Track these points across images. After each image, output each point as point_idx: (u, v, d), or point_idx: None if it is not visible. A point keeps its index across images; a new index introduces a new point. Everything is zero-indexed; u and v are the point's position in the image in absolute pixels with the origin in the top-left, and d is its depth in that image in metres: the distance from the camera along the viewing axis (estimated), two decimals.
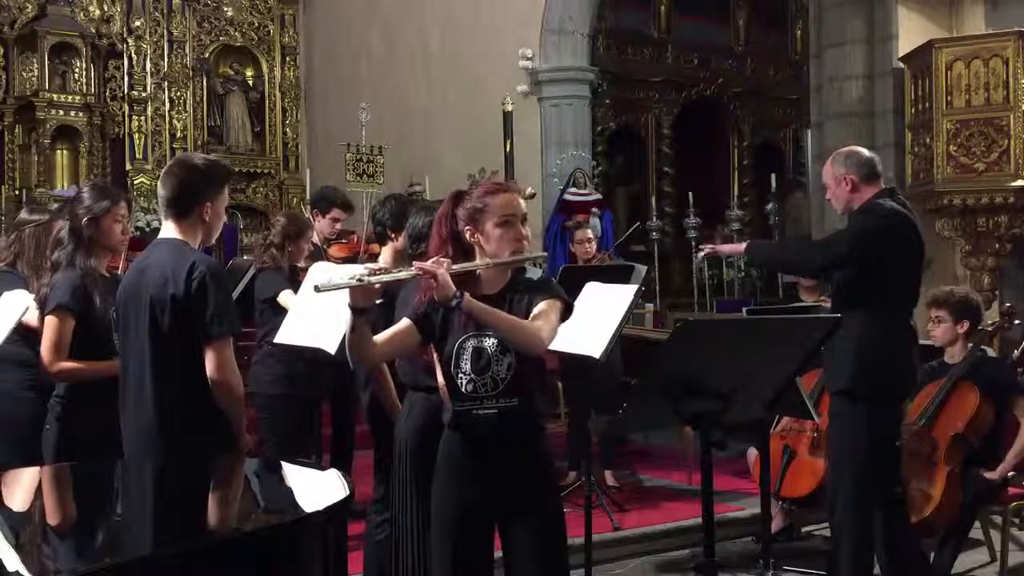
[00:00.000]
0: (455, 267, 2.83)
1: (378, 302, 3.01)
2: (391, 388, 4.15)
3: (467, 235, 2.94)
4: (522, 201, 3.01)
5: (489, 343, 2.88)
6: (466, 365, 2.89)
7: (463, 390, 2.91)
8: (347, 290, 2.77)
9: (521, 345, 2.83)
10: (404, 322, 2.97)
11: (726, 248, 4.65)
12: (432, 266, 2.79)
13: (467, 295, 2.77)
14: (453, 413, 2.96)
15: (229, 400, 3.21)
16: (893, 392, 4.16)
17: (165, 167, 3.53)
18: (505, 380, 2.87)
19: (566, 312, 2.93)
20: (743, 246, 4.44)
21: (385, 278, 2.82)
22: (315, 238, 5.90)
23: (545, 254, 3.18)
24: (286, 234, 5.18)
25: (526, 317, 2.87)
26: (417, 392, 3.73)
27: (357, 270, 2.86)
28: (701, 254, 4.54)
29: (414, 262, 2.89)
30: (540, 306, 2.86)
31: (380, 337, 2.94)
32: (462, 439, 2.96)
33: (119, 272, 4.06)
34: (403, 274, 2.85)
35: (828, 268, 4.21)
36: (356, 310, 2.80)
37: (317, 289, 2.84)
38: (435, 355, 3.06)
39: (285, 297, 4.97)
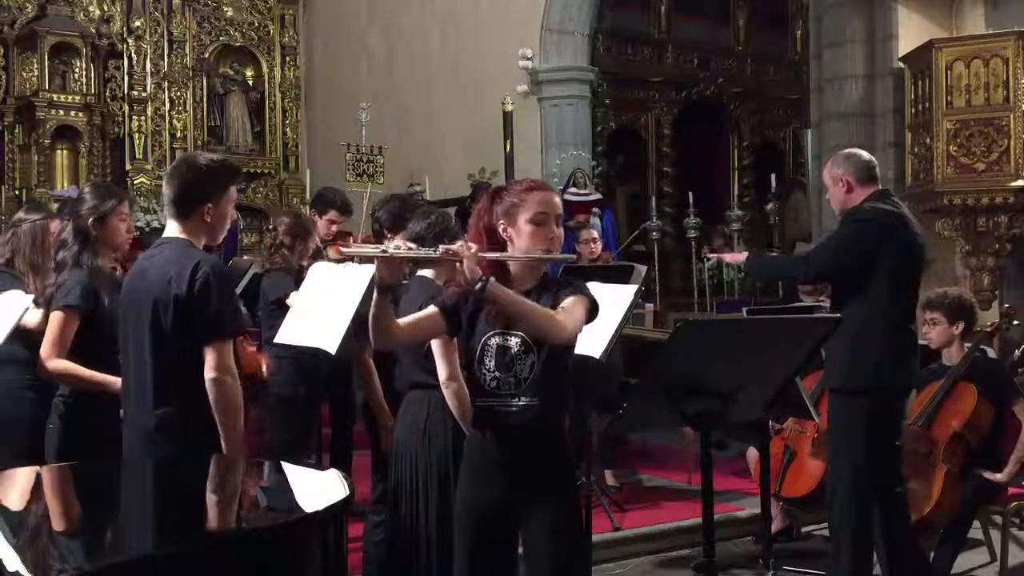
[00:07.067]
0: (483, 254, 2.83)
1: (404, 282, 2.99)
2: (376, 388, 4.18)
3: (501, 230, 2.93)
4: (558, 201, 3.00)
5: (513, 342, 2.87)
6: (490, 362, 2.89)
7: (487, 387, 2.90)
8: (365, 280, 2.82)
9: (543, 333, 2.81)
10: (430, 308, 2.96)
11: (728, 257, 4.83)
12: (460, 248, 2.80)
13: (493, 279, 2.76)
14: (476, 409, 2.96)
15: (223, 401, 3.15)
16: (892, 391, 4.17)
17: (171, 166, 3.52)
18: (528, 379, 2.86)
19: (592, 312, 2.90)
20: (744, 256, 4.58)
21: (411, 254, 2.87)
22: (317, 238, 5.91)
23: (574, 256, 3.16)
24: (295, 233, 5.19)
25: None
26: (416, 390, 3.74)
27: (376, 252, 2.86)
28: (708, 261, 4.73)
29: (441, 244, 2.90)
30: (566, 301, 2.84)
31: (404, 320, 2.95)
32: (484, 436, 2.94)
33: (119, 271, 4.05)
34: (430, 252, 2.89)
35: (817, 278, 4.31)
36: (381, 287, 2.80)
37: (341, 253, 2.92)
38: (449, 349, 3.12)
39: (293, 300, 4.95)
